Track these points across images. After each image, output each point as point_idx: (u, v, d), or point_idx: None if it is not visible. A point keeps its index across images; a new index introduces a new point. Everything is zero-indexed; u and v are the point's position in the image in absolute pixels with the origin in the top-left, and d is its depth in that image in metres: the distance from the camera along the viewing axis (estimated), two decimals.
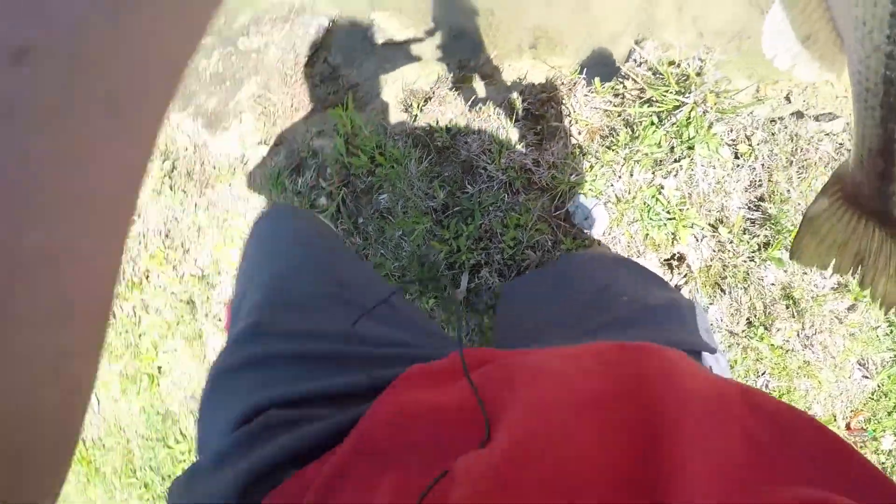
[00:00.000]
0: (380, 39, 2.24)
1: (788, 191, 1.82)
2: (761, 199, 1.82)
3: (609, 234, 1.68)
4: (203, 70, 2.73)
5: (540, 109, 1.63)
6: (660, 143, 1.64)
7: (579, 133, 1.64)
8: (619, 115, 1.64)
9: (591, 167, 1.62)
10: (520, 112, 1.64)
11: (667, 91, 1.65)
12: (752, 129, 1.77)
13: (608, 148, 1.62)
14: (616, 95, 1.68)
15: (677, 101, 1.65)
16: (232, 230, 2.27)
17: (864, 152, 0.37)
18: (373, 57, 2.24)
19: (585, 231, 1.65)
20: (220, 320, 2.30)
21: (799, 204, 1.82)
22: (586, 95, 1.64)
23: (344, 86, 2.21)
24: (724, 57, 1.80)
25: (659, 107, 1.64)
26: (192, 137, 2.65)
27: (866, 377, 1.89)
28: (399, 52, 2.19)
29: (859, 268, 0.42)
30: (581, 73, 1.69)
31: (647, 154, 1.63)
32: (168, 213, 2.51)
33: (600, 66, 1.99)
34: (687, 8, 2.06)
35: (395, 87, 2.09)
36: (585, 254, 1.59)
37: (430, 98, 1.80)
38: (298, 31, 2.53)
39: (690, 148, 1.67)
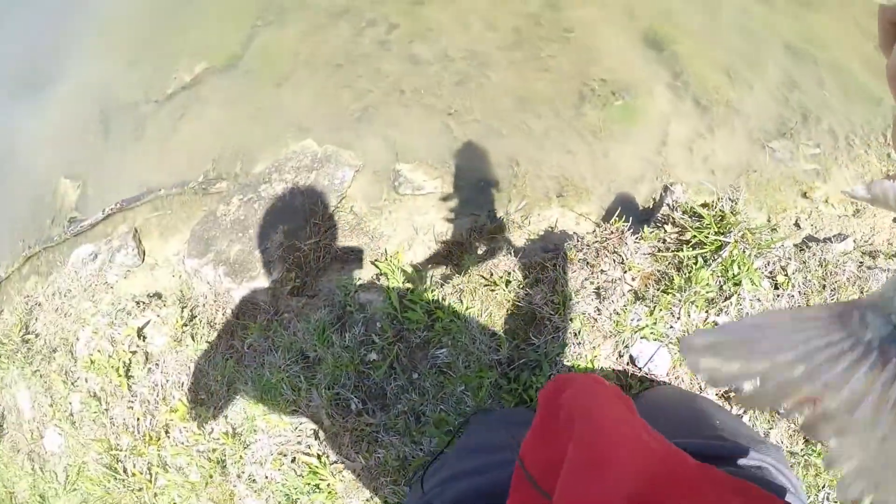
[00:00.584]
0: (406, 190, 2.31)
1: None
2: None
3: (672, 374, 1.69)
4: (222, 215, 2.72)
5: (594, 259, 1.68)
6: (709, 282, 1.70)
7: (633, 279, 1.68)
8: (668, 261, 1.70)
9: (651, 311, 1.65)
10: (576, 262, 1.68)
11: (708, 232, 1.73)
12: (785, 259, 1.86)
13: (664, 292, 1.66)
14: (659, 240, 1.75)
15: (719, 241, 1.73)
16: (268, 385, 2.17)
17: None
18: (400, 208, 2.30)
19: (651, 373, 1.66)
20: (254, 481, 2.15)
21: None
22: (636, 243, 1.70)
23: (376, 237, 2.25)
24: (747, 195, 1.93)
25: (703, 248, 1.72)
26: (212, 285, 2.58)
27: None
28: (426, 203, 2.25)
29: None
30: (625, 221, 1.76)
31: (700, 293, 1.68)
32: (190, 366, 2.40)
33: (626, 211, 2.09)
34: (697, 149, 2.23)
35: (427, 238, 2.13)
36: (662, 388, 1.60)
37: (471, 248, 1.84)
38: (323, 180, 2.59)
39: (737, 284, 1.73)
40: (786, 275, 1.86)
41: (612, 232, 1.68)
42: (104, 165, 3.22)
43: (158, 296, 2.68)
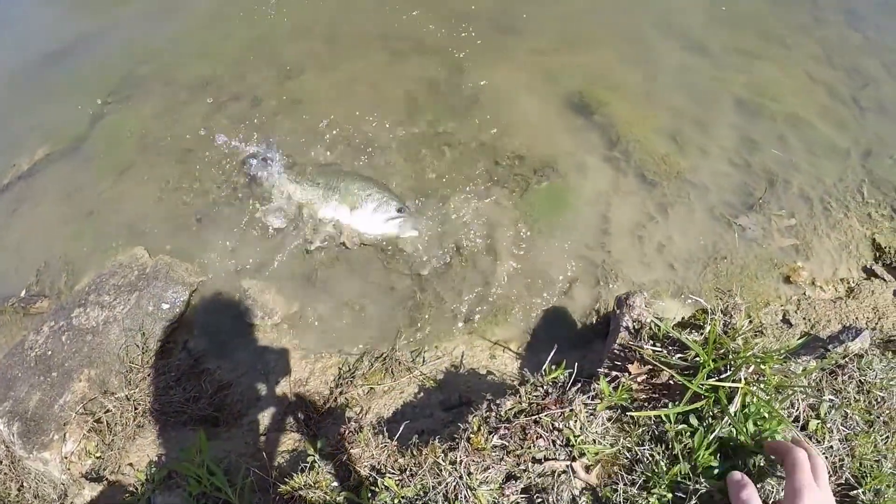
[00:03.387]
0: (256, 317, 1.49)
1: (878, 461, 1.13)
2: (847, 485, 1.11)
3: None
4: (29, 348, 1.82)
5: (517, 437, 0.88)
6: (711, 462, 0.92)
7: (588, 469, 0.88)
8: (645, 428, 0.92)
9: None
10: (489, 450, 0.87)
11: (699, 372, 0.98)
12: (812, 393, 1.12)
13: (643, 488, 0.86)
14: (627, 393, 0.98)
15: (723, 388, 0.96)
16: None
17: None
18: (248, 342, 1.46)
19: None
20: None
21: None
22: (589, 403, 0.92)
23: (209, 389, 1.38)
24: (740, 300, 1.22)
25: (697, 401, 0.95)
26: (8, 446, 1.68)
27: None
28: (281, 335, 1.43)
29: None
30: (567, 369, 0.98)
31: (700, 483, 0.89)
32: None
33: (556, 333, 1.32)
34: (648, 236, 1.52)
35: (280, 389, 1.30)
36: None
37: (334, 406, 1.02)
38: (148, 304, 1.73)
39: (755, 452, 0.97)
40: (818, 417, 1.11)
41: (546, 392, 0.90)
42: None
43: None
